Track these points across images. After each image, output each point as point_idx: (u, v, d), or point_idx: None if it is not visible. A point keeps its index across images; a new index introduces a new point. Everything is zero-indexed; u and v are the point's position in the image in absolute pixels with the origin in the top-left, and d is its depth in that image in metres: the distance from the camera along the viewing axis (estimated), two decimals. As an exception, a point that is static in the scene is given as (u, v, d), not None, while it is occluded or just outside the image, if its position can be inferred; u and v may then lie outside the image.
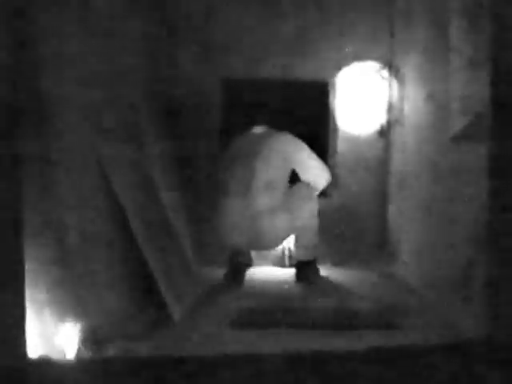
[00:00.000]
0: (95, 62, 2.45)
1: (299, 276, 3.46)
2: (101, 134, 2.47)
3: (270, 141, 3.40)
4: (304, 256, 3.47)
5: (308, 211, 3.35)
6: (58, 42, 2.11)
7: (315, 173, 3.41)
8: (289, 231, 3.32)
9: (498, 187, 2.12)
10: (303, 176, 3.41)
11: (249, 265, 3.57)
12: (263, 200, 3.24)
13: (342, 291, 3.23)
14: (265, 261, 3.86)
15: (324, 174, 3.45)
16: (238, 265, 3.48)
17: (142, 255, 2.52)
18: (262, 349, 2.21)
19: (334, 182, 4.03)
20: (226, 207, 3.27)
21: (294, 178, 3.43)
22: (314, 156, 3.43)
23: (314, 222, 3.41)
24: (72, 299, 2.05)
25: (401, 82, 3.80)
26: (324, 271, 3.75)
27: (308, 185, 3.41)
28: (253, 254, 3.67)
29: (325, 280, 3.49)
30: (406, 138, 3.64)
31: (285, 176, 3.35)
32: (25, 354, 1.81)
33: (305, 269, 3.47)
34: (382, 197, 4.06)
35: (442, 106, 2.78)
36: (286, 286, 3.35)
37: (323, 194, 3.66)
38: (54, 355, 1.92)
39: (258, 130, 3.56)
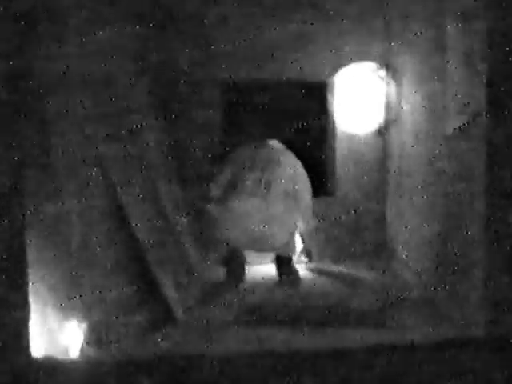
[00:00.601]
0: (95, 62, 2.46)
1: (282, 279, 3.47)
2: (102, 134, 2.49)
3: (289, 158, 3.54)
4: (281, 251, 3.49)
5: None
6: (58, 44, 2.13)
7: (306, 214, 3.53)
8: (288, 236, 3.37)
9: (495, 185, 2.14)
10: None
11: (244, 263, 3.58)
12: (279, 204, 3.31)
13: (340, 289, 3.25)
14: (265, 259, 3.86)
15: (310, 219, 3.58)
16: (238, 263, 3.49)
17: (144, 255, 2.54)
18: (262, 347, 2.23)
19: (334, 183, 4.08)
20: (234, 205, 3.29)
21: None
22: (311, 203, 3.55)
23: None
24: (75, 300, 2.07)
25: (398, 81, 3.81)
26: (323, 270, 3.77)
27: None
28: (250, 252, 3.67)
29: (303, 280, 3.49)
30: (403, 137, 3.65)
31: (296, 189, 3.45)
32: (29, 353, 1.82)
33: (284, 268, 3.49)
34: (380, 195, 4.07)
35: (439, 105, 2.80)
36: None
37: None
38: (58, 355, 1.94)
39: (275, 143, 3.65)
